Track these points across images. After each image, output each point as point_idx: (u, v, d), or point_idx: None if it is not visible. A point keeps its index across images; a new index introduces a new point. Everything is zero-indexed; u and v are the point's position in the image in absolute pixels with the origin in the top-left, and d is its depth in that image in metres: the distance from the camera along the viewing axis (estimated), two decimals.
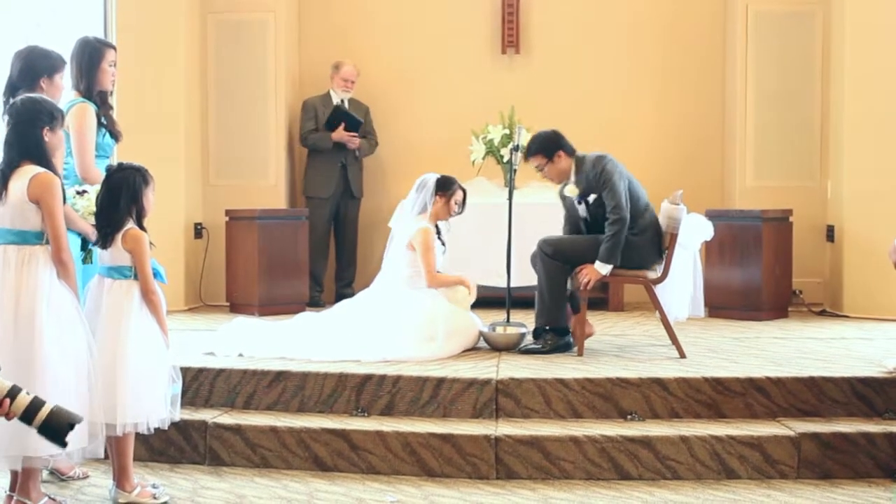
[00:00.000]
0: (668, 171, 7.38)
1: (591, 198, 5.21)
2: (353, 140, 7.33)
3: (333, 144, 7.32)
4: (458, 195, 5.59)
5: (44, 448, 3.40)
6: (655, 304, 5.18)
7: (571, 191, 5.30)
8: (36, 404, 2.82)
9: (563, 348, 5.19)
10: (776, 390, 4.49)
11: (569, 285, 5.24)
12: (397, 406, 4.57)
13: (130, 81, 6.81)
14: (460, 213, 5.66)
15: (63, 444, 2.88)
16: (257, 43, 7.56)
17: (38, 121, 3.60)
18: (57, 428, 2.83)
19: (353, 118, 7.33)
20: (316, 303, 7.11)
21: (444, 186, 5.56)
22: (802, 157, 7.33)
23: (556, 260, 5.18)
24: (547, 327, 5.21)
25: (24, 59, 4.23)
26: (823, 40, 7.22)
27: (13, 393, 2.80)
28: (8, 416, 2.80)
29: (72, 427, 2.84)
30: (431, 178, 5.59)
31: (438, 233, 5.59)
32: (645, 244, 5.17)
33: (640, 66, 7.80)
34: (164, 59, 7.03)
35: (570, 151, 5.30)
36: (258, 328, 5.46)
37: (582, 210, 5.32)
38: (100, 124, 4.54)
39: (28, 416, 2.82)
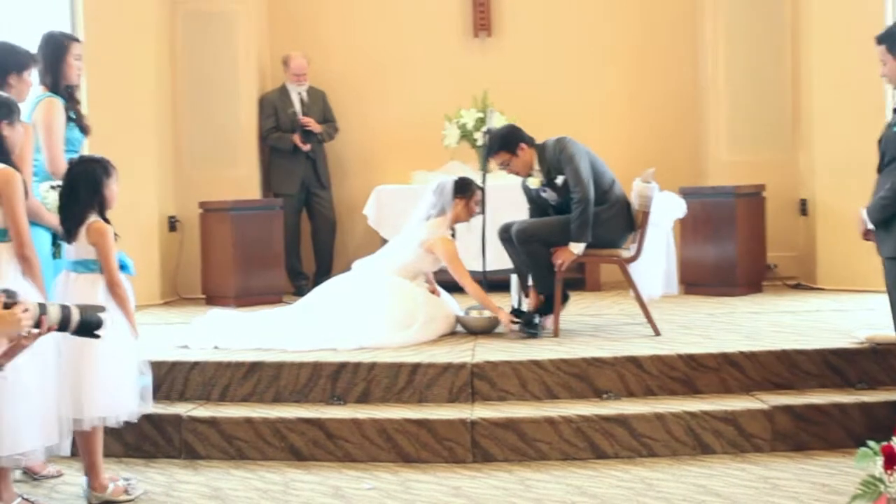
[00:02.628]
0: (642, 149, 7.37)
1: (560, 179, 5.20)
2: (305, 146, 7.31)
3: (294, 147, 7.31)
4: (478, 196, 5.55)
5: (14, 446, 3.39)
6: (629, 283, 5.19)
7: (534, 182, 5.31)
8: (66, 312, 3.09)
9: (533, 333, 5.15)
10: (749, 364, 4.51)
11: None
12: (373, 393, 4.57)
13: (100, 74, 6.73)
14: (481, 213, 5.62)
15: (97, 337, 3.18)
16: (226, 33, 7.49)
17: None
18: (91, 324, 3.14)
19: (306, 130, 7.32)
20: (302, 293, 7.09)
21: (463, 189, 5.51)
22: (775, 131, 7.32)
23: (534, 243, 5.18)
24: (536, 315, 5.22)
25: None
26: (793, 13, 7.21)
27: (45, 310, 3.06)
28: (49, 331, 3.08)
29: (101, 321, 3.14)
30: (449, 182, 5.55)
31: (453, 234, 5.56)
32: (613, 219, 5.18)
33: (611, 45, 7.78)
34: (134, 50, 6.95)
35: (531, 142, 5.30)
36: (233, 320, 5.44)
37: (551, 197, 5.31)
38: (68, 118, 4.51)
39: (64, 324, 3.11)
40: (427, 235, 5.42)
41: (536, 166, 5.27)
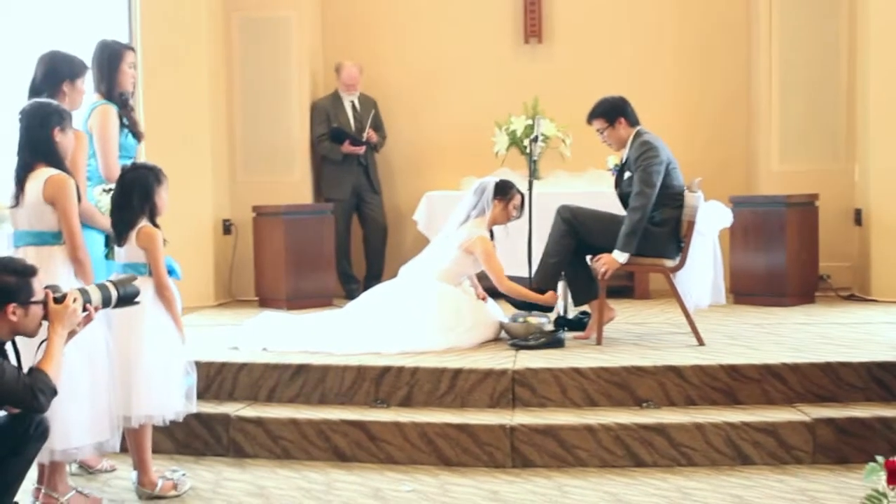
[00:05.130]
0: (694, 158, 7.30)
1: (626, 175, 5.24)
2: (359, 149, 7.40)
3: (344, 156, 7.41)
4: (517, 199, 5.58)
5: (67, 441, 3.54)
6: (674, 292, 5.19)
7: (613, 159, 5.39)
8: (106, 292, 3.46)
9: (556, 344, 5.11)
10: (792, 376, 4.49)
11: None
12: (416, 397, 4.64)
13: (156, 81, 6.95)
14: (518, 217, 5.64)
15: (137, 303, 3.56)
16: (281, 40, 7.64)
17: (48, 123, 3.72)
18: (130, 295, 3.52)
19: (354, 137, 7.40)
20: (353, 297, 7.18)
21: (503, 191, 5.56)
22: (829, 141, 7.26)
23: (569, 225, 5.24)
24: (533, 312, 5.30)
25: (47, 63, 4.32)
26: (849, 22, 7.13)
27: (88, 295, 3.39)
28: (96, 311, 3.43)
29: (137, 290, 3.55)
30: (490, 183, 5.59)
31: (492, 236, 5.61)
32: (663, 235, 5.17)
33: (662, 53, 7.78)
34: (189, 57, 7.12)
35: (633, 122, 5.30)
36: (282, 322, 5.55)
37: (615, 181, 5.35)
38: (122, 125, 4.65)
39: (107, 302, 3.46)
40: (465, 237, 5.47)
41: (627, 148, 5.27)
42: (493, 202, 5.53)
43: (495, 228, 5.62)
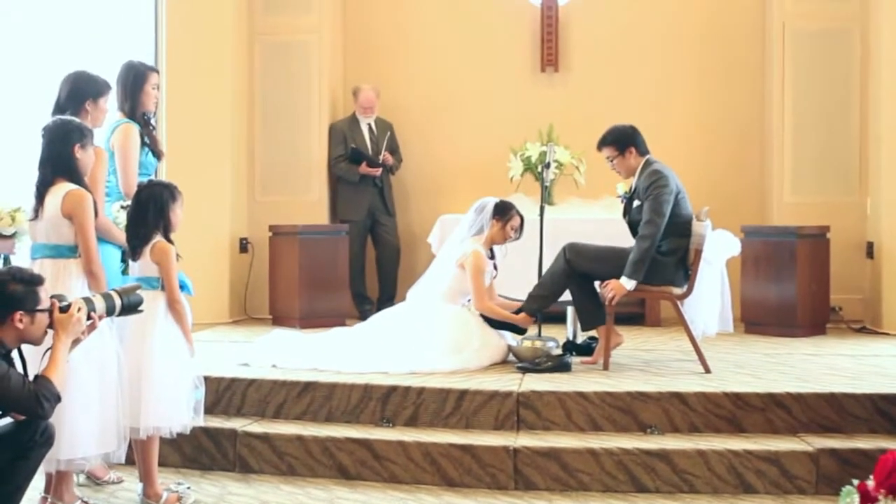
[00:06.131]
0: (706, 188, 7.36)
1: (635, 204, 5.29)
2: (376, 171, 7.49)
3: (361, 177, 7.50)
4: (515, 221, 5.65)
5: (74, 450, 3.60)
6: (681, 320, 5.22)
7: (622, 187, 5.48)
8: (110, 301, 3.54)
9: (563, 368, 5.14)
10: (797, 406, 4.49)
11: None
12: (421, 417, 4.68)
13: (179, 101, 7.08)
14: (517, 238, 5.70)
15: (140, 312, 3.65)
16: (302, 63, 7.76)
17: (69, 139, 3.82)
18: (133, 304, 3.61)
19: (371, 158, 7.49)
20: (366, 318, 7.24)
21: (502, 212, 5.64)
22: (841, 174, 7.29)
23: (570, 266, 5.31)
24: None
25: (72, 82, 4.44)
26: (861, 57, 7.18)
27: (92, 304, 3.47)
28: (101, 319, 3.52)
29: (141, 299, 3.64)
30: (490, 202, 5.68)
31: (492, 256, 5.68)
32: (670, 264, 5.20)
33: (677, 83, 7.84)
34: (212, 79, 7.26)
35: (643, 151, 5.36)
36: (293, 340, 5.61)
37: (625, 208, 5.42)
38: (143, 144, 4.76)
39: (111, 310, 3.55)
40: (461, 253, 5.55)
41: (636, 177, 5.33)
42: (492, 221, 5.60)
43: (495, 249, 5.67)
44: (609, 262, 5.27)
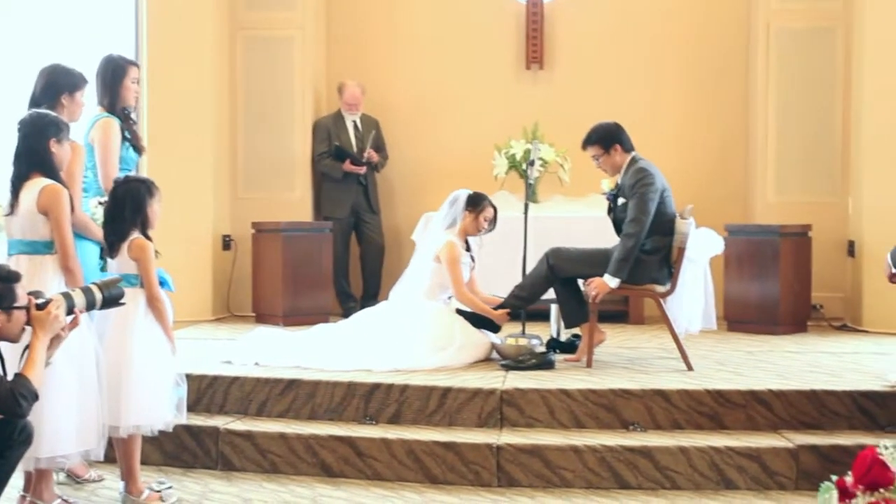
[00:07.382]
0: (690, 187, 7.36)
1: (620, 201, 5.29)
2: (360, 168, 7.48)
3: (345, 174, 7.49)
4: (488, 212, 5.67)
5: (53, 449, 3.58)
6: (664, 318, 5.23)
7: (608, 184, 5.46)
8: (90, 295, 3.47)
9: (546, 366, 5.15)
10: (778, 403, 4.52)
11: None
12: (404, 414, 4.68)
13: (161, 96, 7.04)
14: (490, 230, 5.72)
15: (122, 304, 3.58)
16: (285, 59, 7.72)
17: (44, 133, 3.79)
18: (114, 297, 3.53)
19: (354, 157, 7.48)
20: (350, 316, 7.23)
21: (475, 203, 5.66)
22: (824, 174, 7.34)
23: (551, 272, 5.34)
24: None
25: (48, 76, 4.38)
26: (844, 56, 7.23)
27: (71, 299, 3.41)
28: (80, 313, 3.45)
29: (122, 292, 3.56)
30: (463, 194, 5.70)
31: (468, 248, 5.69)
32: (653, 262, 5.21)
33: (662, 82, 7.86)
34: (194, 74, 7.21)
35: (628, 148, 5.36)
36: (276, 338, 5.60)
37: (610, 206, 5.43)
38: (124, 138, 4.71)
39: (91, 305, 3.48)
40: (436, 250, 5.57)
41: (621, 174, 5.34)
42: (465, 213, 5.62)
43: (471, 241, 5.69)
44: (593, 264, 5.27)
